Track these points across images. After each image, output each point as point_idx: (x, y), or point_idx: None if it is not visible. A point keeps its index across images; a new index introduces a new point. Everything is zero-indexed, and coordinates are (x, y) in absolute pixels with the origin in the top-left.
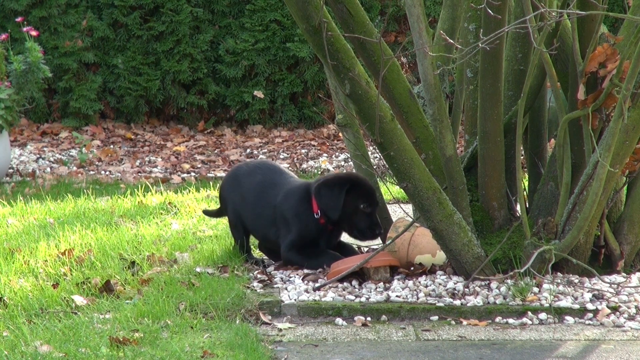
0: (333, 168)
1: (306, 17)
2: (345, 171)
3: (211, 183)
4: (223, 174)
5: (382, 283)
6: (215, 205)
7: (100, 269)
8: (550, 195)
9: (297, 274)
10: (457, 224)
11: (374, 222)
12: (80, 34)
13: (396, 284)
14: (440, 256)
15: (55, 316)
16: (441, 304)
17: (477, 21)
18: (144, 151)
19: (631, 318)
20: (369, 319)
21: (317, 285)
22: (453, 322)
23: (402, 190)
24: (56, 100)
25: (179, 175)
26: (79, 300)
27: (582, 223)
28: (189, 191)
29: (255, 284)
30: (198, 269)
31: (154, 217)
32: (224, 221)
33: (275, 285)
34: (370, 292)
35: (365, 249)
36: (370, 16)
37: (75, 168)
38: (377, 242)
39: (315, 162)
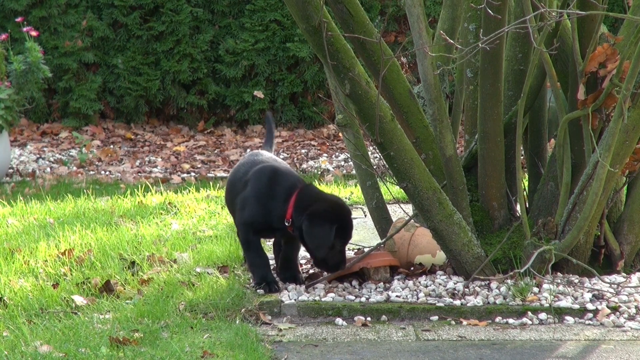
0: (333, 168)
1: (306, 17)
2: (332, 199)
3: (211, 183)
4: (223, 174)
5: (382, 283)
6: (215, 206)
7: (100, 269)
8: (550, 195)
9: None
10: (457, 224)
11: (341, 259)
12: (80, 34)
13: (396, 284)
14: (440, 256)
15: (55, 316)
16: (441, 304)
17: (477, 21)
18: (144, 151)
19: (631, 318)
20: (369, 319)
21: (309, 282)
22: (453, 322)
23: (402, 190)
24: (56, 100)
25: (179, 175)
26: (79, 300)
27: (582, 223)
28: (189, 191)
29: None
30: (198, 269)
31: (154, 217)
32: (223, 221)
33: None
34: (370, 292)
35: (367, 249)
36: (370, 16)
37: (75, 168)
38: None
39: (315, 162)
